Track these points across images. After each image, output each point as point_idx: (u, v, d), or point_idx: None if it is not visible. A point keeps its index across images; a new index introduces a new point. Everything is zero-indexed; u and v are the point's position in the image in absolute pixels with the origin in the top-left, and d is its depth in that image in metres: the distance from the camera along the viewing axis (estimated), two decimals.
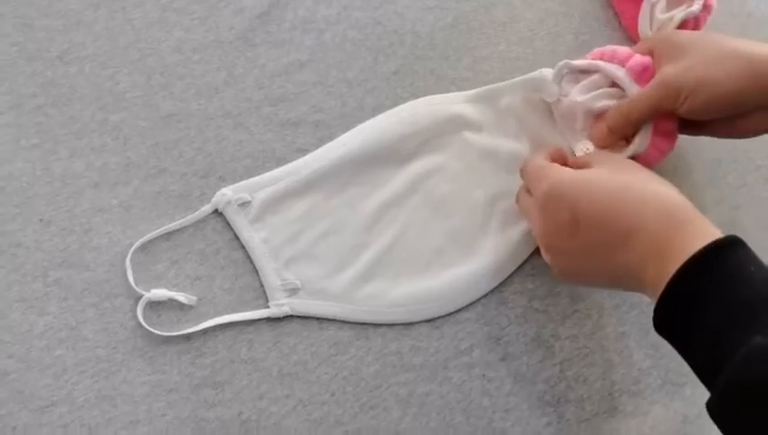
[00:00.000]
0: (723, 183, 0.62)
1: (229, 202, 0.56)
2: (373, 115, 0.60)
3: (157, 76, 0.60)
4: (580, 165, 0.51)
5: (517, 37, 0.64)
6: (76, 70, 0.59)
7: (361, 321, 0.54)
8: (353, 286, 0.55)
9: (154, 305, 0.53)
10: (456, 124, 0.59)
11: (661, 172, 0.49)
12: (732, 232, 0.42)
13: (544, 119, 0.58)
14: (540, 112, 0.59)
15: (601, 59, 0.54)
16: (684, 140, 0.56)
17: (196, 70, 0.60)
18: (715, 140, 0.56)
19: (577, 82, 0.56)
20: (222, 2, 0.63)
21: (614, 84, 0.54)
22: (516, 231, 0.57)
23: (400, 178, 0.58)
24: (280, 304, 0.54)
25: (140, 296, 0.53)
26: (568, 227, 0.47)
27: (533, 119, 0.59)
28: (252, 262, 0.55)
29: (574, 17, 0.66)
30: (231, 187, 0.56)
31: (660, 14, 0.57)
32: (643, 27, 0.58)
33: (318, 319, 0.54)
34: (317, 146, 0.58)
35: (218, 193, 0.56)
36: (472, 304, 0.56)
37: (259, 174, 0.57)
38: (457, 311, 0.56)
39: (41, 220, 0.55)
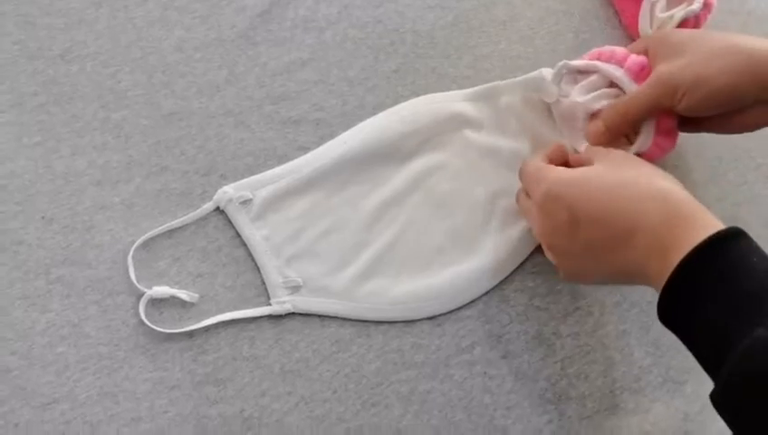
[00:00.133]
0: (724, 181, 0.62)
1: (231, 200, 0.56)
2: (374, 113, 0.60)
3: (158, 74, 0.60)
4: (580, 162, 0.51)
5: (518, 36, 0.65)
6: (78, 68, 0.59)
7: (363, 318, 0.55)
8: (355, 284, 0.55)
9: (156, 303, 0.53)
10: (457, 122, 0.59)
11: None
12: None
13: (544, 118, 0.59)
14: (539, 112, 0.59)
15: (599, 59, 0.55)
16: (684, 138, 0.56)
17: (198, 68, 0.60)
18: (716, 138, 0.56)
19: (575, 82, 0.56)
20: (223, 0, 0.63)
21: (612, 84, 0.54)
22: (517, 229, 0.57)
23: (401, 177, 0.58)
24: (282, 302, 0.54)
25: (142, 293, 0.53)
26: (567, 227, 0.47)
27: (533, 118, 0.59)
28: (253, 259, 0.55)
29: (574, 16, 0.66)
30: (232, 185, 0.56)
31: (660, 13, 0.57)
32: (643, 26, 0.58)
33: (319, 316, 0.54)
34: (318, 144, 0.59)
35: (220, 191, 0.56)
36: (473, 301, 0.56)
37: (260, 172, 0.57)
38: (459, 308, 0.56)
39: (43, 218, 0.55)
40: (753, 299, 0.39)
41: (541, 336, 0.56)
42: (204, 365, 0.52)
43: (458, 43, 0.64)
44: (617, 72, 0.53)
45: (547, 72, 0.57)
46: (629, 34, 0.65)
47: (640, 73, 0.52)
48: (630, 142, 0.54)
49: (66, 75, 0.59)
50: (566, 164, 0.53)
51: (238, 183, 0.56)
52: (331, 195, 0.57)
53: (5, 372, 0.51)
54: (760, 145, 0.63)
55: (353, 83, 0.61)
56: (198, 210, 0.56)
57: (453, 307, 0.55)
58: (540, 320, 0.56)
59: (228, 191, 0.56)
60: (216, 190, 0.56)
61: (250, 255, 0.55)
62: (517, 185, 0.55)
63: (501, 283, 0.57)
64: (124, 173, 0.57)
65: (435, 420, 0.53)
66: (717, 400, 0.39)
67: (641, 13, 0.57)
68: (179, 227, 0.55)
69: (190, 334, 0.53)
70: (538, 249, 0.57)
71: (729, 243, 0.41)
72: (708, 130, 0.54)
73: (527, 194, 0.52)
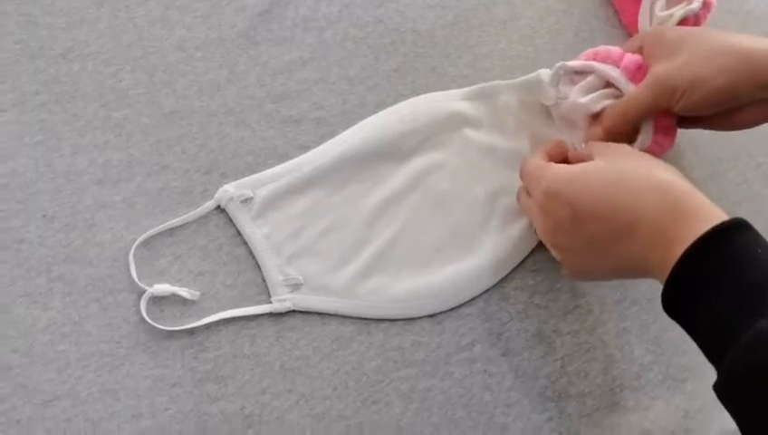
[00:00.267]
0: (723, 180, 0.62)
1: (231, 198, 0.56)
2: (374, 112, 0.60)
3: (159, 74, 0.60)
4: (580, 159, 0.51)
5: (518, 35, 0.65)
6: (79, 67, 0.60)
7: (363, 316, 0.55)
8: (355, 282, 0.55)
9: (157, 300, 0.54)
10: (457, 121, 0.60)
11: None
12: None
13: (542, 116, 0.59)
14: (537, 112, 0.59)
15: (595, 59, 0.55)
16: (684, 138, 0.56)
17: (199, 67, 0.61)
18: (716, 137, 0.56)
19: (573, 82, 0.56)
20: (224, 0, 0.63)
21: (609, 84, 0.54)
22: (517, 227, 0.57)
23: (401, 175, 0.58)
24: (282, 300, 0.54)
25: (143, 291, 0.53)
26: (569, 224, 0.47)
27: (531, 116, 0.59)
28: (254, 258, 0.55)
29: (574, 15, 0.66)
30: (233, 183, 0.56)
31: (660, 12, 0.57)
32: (643, 25, 0.58)
33: (320, 314, 0.54)
34: (318, 143, 0.59)
35: (221, 189, 0.56)
36: (473, 299, 0.56)
37: (261, 171, 0.57)
38: (459, 306, 0.56)
39: (44, 216, 0.55)
40: (757, 290, 0.39)
41: (541, 334, 0.56)
42: (205, 363, 0.52)
43: (458, 43, 0.64)
44: (613, 73, 0.53)
45: (545, 74, 0.57)
46: (629, 34, 0.65)
47: (637, 73, 0.53)
48: (630, 142, 0.54)
49: (68, 74, 0.59)
50: (566, 160, 0.54)
51: (239, 182, 0.57)
52: (331, 193, 0.57)
53: (7, 369, 0.51)
54: (760, 144, 0.63)
55: (354, 82, 0.61)
56: (199, 209, 0.56)
57: (453, 305, 0.56)
58: (540, 318, 0.56)
59: (229, 190, 0.56)
60: (216, 189, 0.56)
61: (251, 253, 0.55)
62: (517, 183, 0.55)
63: (501, 281, 0.57)
64: (125, 172, 0.57)
65: (435, 417, 0.53)
66: (721, 390, 0.39)
67: (641, 11, 0.58)
68: (180, 226, 0.56)
69: (191, 332, 0.53)
70: (538, 247, 0.57)
71: (732, 234, 0.41)
72: (705, 127, 0.54)
73: (528, 192, 0.52)
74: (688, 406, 0.55)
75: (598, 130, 0.53)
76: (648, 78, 0.51)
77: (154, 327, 0.52)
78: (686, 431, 0.54)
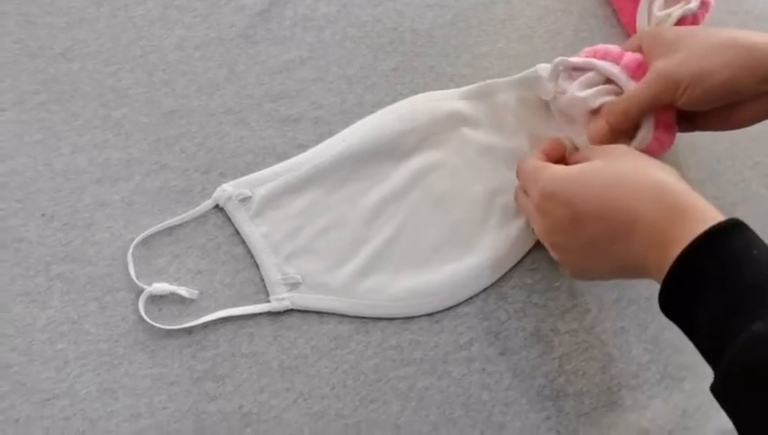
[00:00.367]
0: (721, 180, 0.62)
1: (230, 197, 0.56)
2: (373, 111, 0.60)
3: (158, 73, 0.60)
4: (578, 161, 0.51)
5: (516, 34, 0.65)
6: (78, 67, 0.60)
7: (361, 315, 0.55)
8: (353, 281, 0.55)
9: (155, 299, 0.54)
10: (455, 120, 0.60)
11: None
12: None
13: (541, 114, 0.59)
14: (535, 109, 0.59)
15: (594, 57, 0.55)
16: (682, 138, 0.56)
17: (198, 67, 0.61)
18: (713, 137, 0.56)
19: (572, 78, 0.56)
20: None
21: (609, 81, 0.54)
22: (515, 226, 0.57)
23: (400, 174, 0.58)
24: (280, 299, 0.54)
25: (142, 290, 0.53)
26: (568, 224, 0.47)
27: (530, 114, 0.59)
28: (252, 257, 0.55)
29: (573, 14, 0.66)
30: (232, 182, 0.57)
31: (658, 12, 0.57)
32: (641, 24, 0.58)
33: (318, 313, 0.55)
34: (317, 142, 0.59)
35: (219, 188, 0.56)
36: (471, 298, 0.56)
37: (260, 170, 0.57)
38: (457, 305, 0.56)
39: (43, 215, 0.55)
40: (755, 290, 0.39)
41: (539, 333, 0.56)
42: (203, 361, 0.53)
43: (457, 42, 0.64)
44: (614, 70, 0.53)
45: (543, 69, 0.57)
46: (627, 33, 0.65)
47: (637, 71, 0.53)
48: (631, 139, 0.54)
49: (67, 74, 0.59)
50: (563, 159, 0.54)
51: (238, 181, 0.57)
52: (329, 192, 0.57)
53: (5, 368, 0.51)
54: (757, 144, 0.63)
55: (352, 82, 0.61)
56: (198, 208, 0.56)
57: (452, 304, 0.56)
58: (538, 317, 0.56)
59: (228, 189, 0.56)
60: (215, 188, 0.56)
61: (249, 252, 0.56)
62: (515, 182, 0.55)
63: (499, 280, 0.57)
64: (124, 171, 0.57)
65: (433, 416, 0.53)
66: (718, 391, 0.39)
67: (639, 11, 0.58)
68: (179, 225, 0.56)
69: (189, 331, 0.53)
70: (536, 246, 0.57)
71: (729, 234, 0.41)
72: (704, 127, 0.54)
73: (525, 192, 0.52)
74: (686, 405, 0.55)
75: (601, 123, 0.53)
76: (651, 74, 0.51)
77: (152, 326, 0.53)
78: (684, 430, 0.55)
